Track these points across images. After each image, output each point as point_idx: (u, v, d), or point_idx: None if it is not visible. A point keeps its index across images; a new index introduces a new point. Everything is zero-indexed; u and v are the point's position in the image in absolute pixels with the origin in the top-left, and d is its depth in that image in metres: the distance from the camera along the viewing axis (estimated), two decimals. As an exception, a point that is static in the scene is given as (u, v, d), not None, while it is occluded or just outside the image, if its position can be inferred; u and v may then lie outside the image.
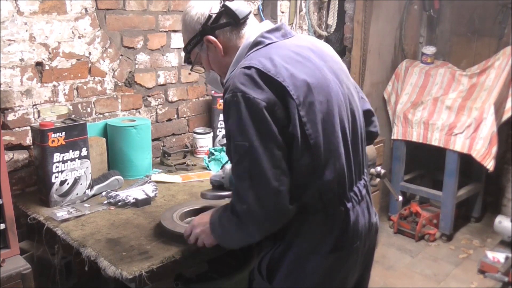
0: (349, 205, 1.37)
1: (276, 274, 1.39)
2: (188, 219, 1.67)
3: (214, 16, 1.40)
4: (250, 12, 1.44)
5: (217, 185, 1.67)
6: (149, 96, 2.48)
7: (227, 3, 1.40)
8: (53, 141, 1.81)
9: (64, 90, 2.13)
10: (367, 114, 1.64)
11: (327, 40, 3.60)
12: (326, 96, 1.31)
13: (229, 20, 1.40)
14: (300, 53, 1.35)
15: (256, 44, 1.37)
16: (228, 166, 1.61)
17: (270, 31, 1.41)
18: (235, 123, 1.25)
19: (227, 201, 1.51)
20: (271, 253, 1.40)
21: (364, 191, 1.45)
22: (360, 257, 1.46)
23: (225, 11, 1.39)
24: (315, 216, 1.34)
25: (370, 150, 2.06)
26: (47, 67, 2.05)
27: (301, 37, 1.47)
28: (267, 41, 1.37)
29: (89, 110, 2.23)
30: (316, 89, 1.29)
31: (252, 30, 1.42)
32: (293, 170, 1.29)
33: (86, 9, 2.13)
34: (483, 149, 3.36)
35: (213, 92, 2.67)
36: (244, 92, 1.23)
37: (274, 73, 1.25)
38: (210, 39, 1.41)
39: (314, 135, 1.27)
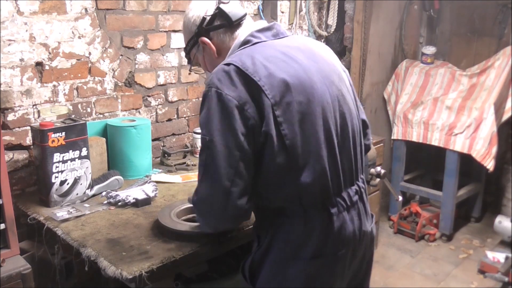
0: (333, 210, 1.33)
1: (258, 277, 1.37)
2: (186, 216, 1.67)
3: (208, 18, 1.43)
4: (245, 14, 1.46)
5: None
6: (149, 96, 2.48)
7: (221, 5, 1.42)
8: (53, 141, 1.81)
9: (64, 90, 2.13)
10: (362, 124, 1.58)
11: (327, 40, 3.60)
12: (307, 96, 1.28)
13: (223, 22, 1.43)
14: (286, 53, 1.34)
15: (244, 43, 1.39)
16: None
17: (261, 30, 1.41)
18: (204, 116, 1.28)
19: None
20: (252, 256, 1.39)
21: (355, 198, 1.40)
22: (349, 265, 1.41)
23: (219, 14, 1.42)
24: (293, 219, 1.32)
25: (370, 150, 2.06)
26: (47, 67, 2.05)
27: (294, 37, 1.46)
28: (255, 40, 1.38)
29: (89, 110, 2.23)
30: (296, 89, 1.27)
31: (244, 31, 1.43)
32: (268, 169, 1.28)
33: (86, 9, 2.13)
34: (483, 149, 3.36)
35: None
36: (218, 87, 1.25)
37: (251, 71, 1.26)
38: (204, 41, 1.44)
39: (291, 135, 1.26)
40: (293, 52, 1.35)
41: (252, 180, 1.30)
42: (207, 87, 1.29)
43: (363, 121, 1.63)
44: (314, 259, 1.32)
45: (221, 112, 1.24)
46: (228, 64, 1.28)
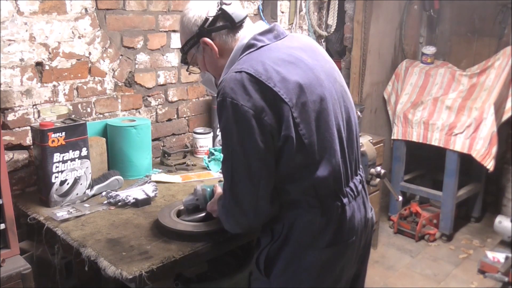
0: (345, 200, 1.39)
1: (273, 269, 1.40)
2: (187, 217, 1.68)
3: (211, 19, 1.42)
4: (247, 16, 1.47)
5: (192, 208, 1.69)
6: (149, 96, 2.48)
7: (224, 6, 1.42)
8: (53, 141, 1.81)
9: (64, 90, 2.13)
10: None
11: (327, 40, 3.60)
12: (319, 95, 1.33)
13: (226, 23, 1.43)
14: (292, 54, 1.36)
15: (248, 46, 1.40)
16: (199, 187, 1.68)
17: (263, 33, 1.42)
18: (223, 126, 1.32)
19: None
20: (268, 248, 1.41)
21: (360, 187, 1.48)
22: (356, 251, 1.48)
23: (222, 15, 1.42)
24: (311, 211, 1.36)
25: (370, 150, 2.06)
26: (47, 67, 2.05)
27: (293, 37, 1.48)
28: (260, 44, 1.39)
29: (89, 110, 2.23)
30: (308, 89, 1.31)
31: (246, 33, 1.44)
32: (287, 167, 1.32)
33: (86, 9, 2.13)
34: (483, 149, 3.36)
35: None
36: (232, 98, 1.26)
37: (265, 78, 1.27)
38: (206, 41, 1.44)
39: (308, 134, 1.30)
40: (298, 53, 1.38)
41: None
42: (220, 96, 1.29)
43: None
44: (328, 247, 1.38)
45: (239, 123, 1.26)
46: (239, 72, 1.29)
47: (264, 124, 1.26)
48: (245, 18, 1.45)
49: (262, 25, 1.48)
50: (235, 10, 1.43)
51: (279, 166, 1.32)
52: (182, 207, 1.73)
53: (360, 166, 1.55)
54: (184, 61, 1.56)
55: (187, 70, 1.61)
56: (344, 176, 1.39)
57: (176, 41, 2.53)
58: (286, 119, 1.27)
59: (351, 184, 1.43)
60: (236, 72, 1.29)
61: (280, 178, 1.34)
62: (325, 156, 1.33)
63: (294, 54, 1.36)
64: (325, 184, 1.34)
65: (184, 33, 1.50)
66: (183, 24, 1.49)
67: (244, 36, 1.43)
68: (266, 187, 1.32)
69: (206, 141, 2.54)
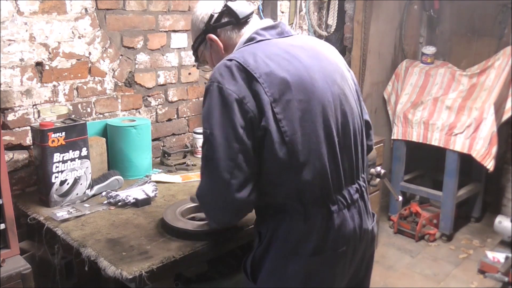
0: (333, 208, 1.34)
1: (259, 274, 1.39)
2: (190, 215, 1.68)
3: (216, 15, 1.45)
4: (252, 12, 1.48)
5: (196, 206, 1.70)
6: (149, 96, 2.48)
7: (228, 3, 1.45)
8: (53, 141, 1.81)
9: (64, 90, 2.13)
10: (365, 125, 1.59)
11: (327, 40, 3.60)
12: (308, 95, 1.30)
13: (230, 19, 1.45)
14: (289, 51, 1.36)
15: (249, 40, 1.41)
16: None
17: (266, 29, 1.43)
18: (205, 109, 1.31)
19: None
20: (254, 252, 1.40)
21: (356, 196, 1.41)
22: (349, 263, 1.42)
23: (227, 11, 1.45)
24: (294, 216, 1.33)
25: (371, 150, 2.06)
26: (47, 67, 2.05)
27: (299, 37, 1.48)
28: (259, 38, 1.40)
29: (89, 110, 2.23)
30: (296, 87, 1.29)
31: (251, 28, 1.45)
32: (269, 166, 1.30)
33: (86, 9, 2.13)
34: (483, 149, 3.37)
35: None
36: (219, 82, 1.28)
37: (252, 68, 1.28)
38: (211, 37, 1.47)
39: (290, 132, 1.27)
40: (296, 51, 1.37)
41: (255, 174, 1.31)
42: (209, 82, 1.31)
43: (366, 122, 1.63)
44: (314, 255, 1.34)
45: (221, 105, 1.27)
46: (230, 60, 1.31)
47: (246, 110, 1.26)
48: (250, 14, 1.47)
49: (268, 22, 1.48)
50: (240, 6, 1.45)
51: (262, 164, 1.30)
52: (187, 207, 1.74)
53: (362, 175, 1.48)
54: (196, 59, 1.59)
55: (197, 68, 1.65)
56: (334, 183, 1.34)
57: (176, 41, 2.53)
58: (266, 112, 1.26)
59: (345, 192, 1.38)
60: (227, 60, 1.32)
61: (264, 180, 1.32)
62: (309, 159, 1.29)
63: (291, 52, 1.36)
64: (309, 188, 1.30)
65: (193, 30, 1.54)
66: (192, 22, 1.53)
67: (248, 31, 1.45)
68: (240, 178, 1.27)
69: (206, 141, 2.53)
